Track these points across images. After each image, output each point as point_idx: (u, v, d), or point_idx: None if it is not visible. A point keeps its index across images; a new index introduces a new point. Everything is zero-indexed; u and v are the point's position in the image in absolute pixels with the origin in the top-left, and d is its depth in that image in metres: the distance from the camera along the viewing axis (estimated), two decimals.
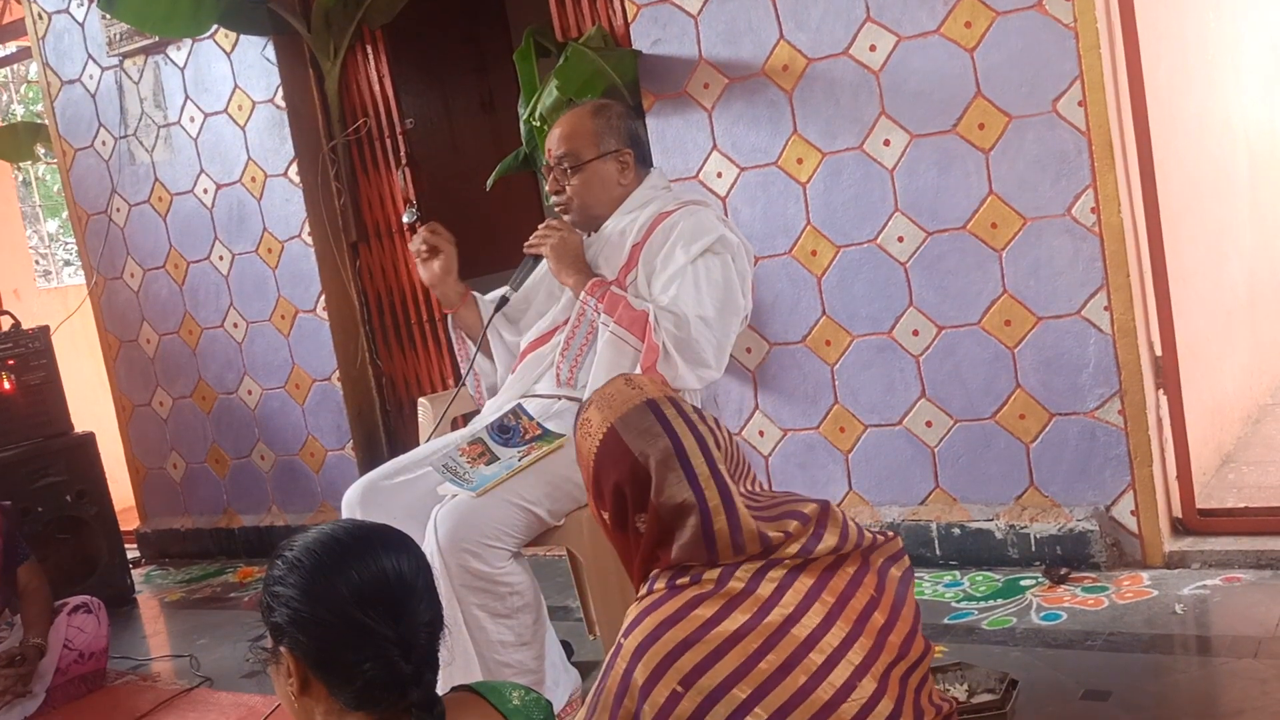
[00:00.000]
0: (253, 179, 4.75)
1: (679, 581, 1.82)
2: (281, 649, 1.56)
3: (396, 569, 1.55)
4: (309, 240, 4.67)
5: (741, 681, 1.72)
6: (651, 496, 1.85)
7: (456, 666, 2.52)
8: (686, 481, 1.84)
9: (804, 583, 1.82)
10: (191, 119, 4.85)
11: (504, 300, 2.96)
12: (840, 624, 1.80)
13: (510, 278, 2.96)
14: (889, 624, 1.84)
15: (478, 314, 3.03)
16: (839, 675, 1.75)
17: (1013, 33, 3.20)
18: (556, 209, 2.91)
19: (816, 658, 1.75)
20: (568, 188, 2.85)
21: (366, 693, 1.53)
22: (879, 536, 1.94)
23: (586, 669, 2.97)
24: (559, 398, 2.79)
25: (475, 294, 3.04)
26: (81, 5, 5.00)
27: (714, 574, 1.81)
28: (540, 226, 2.85)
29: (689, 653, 1.73)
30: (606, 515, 1.94)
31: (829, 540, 1.86)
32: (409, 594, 1.55)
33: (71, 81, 5.15)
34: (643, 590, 1.88)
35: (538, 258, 2.90)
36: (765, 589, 1.80)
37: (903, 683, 1.83)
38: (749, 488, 1.95)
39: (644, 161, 2.92)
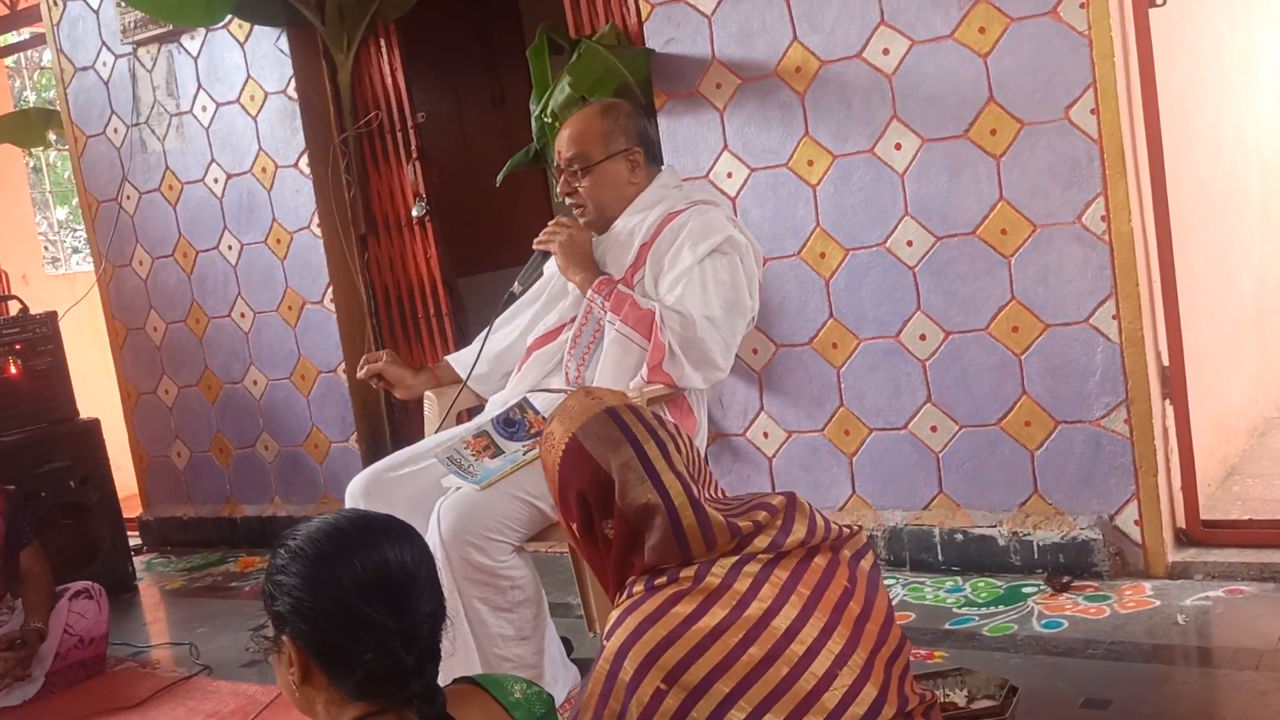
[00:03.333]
0: (263, 169, 4.75)
1: (657, 582, 1.83)
2: (283, 638, 1.56)
3: (399, 559, 1.55)
4: (318, 232, 4.67)
5: (724, 676, 1.73)
6: (616, 499, 1.87)
7: (456, 659, 2.52)
8: (650, 482, 1.86)
9: (779, 576, 1.84)
10: (204, 108, 4.85)
11: (510, 297, 2.96)
12: (818, 615, 1.81)
13: (518, 274, 2.96)
14: (864, 614, 1.86)
15: (453, 373, 3.13)
16: (820, 665, 1.77)
17: (1026, 39, 3.20)
18: (574, 210, 2.91)
19: (797, 649, 1.77)
20: (580, 189, 2.86)
21: (367, 683, 1.52)
22: (845, 529, 1.96)
23: (586, 666, 2.95)
24: (565, 392, 2.79)
25: (443, 363, 3.16)
26: None
27: (690, 571, 1.83)
28: (550, 223, 2.86)
29: (670, 650, 1.74)
30: (574, 525, 1.95)
31: (798, 532, 1.88)
32: (411, 585, 1.55)
33: (85, 68, 5.16)
34: (621, 596, 1.89)
35: (546, 254, 2.90)
36: (742, 584, 1.81)
37: (888, 669, 1.84)
38: (712, 494, 1.96)
39: (654, 159, 2.93)
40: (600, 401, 1.97)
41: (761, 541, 1.86)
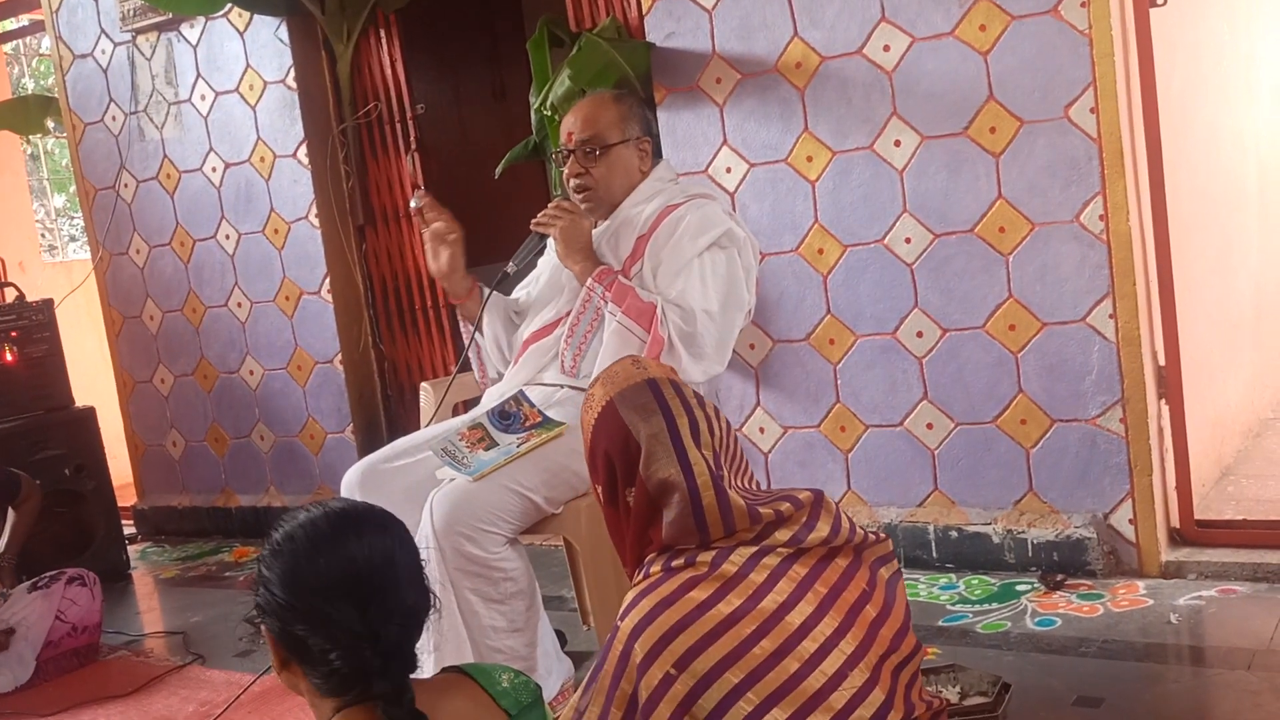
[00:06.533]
0: (262, 159, 4.74)
1: (674, 564, 1.84)
2: (263, 628, 1.59)
3: (368, 558, 1.53)
4: (316, 222, 4.67)
5: (734, 666, 1.73)
6: (640, 469, 1.87)
7: (448, 650, 2.52)
8: (675, 458, 1.86)
9: (797, 572, 1.83)
10: (202, 97, 4.84)
11: (504, 275, 2.94)
12: (833, 614, 1.81)
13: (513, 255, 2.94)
14: (880, 618, 1.85)
15: (478, 304, 3.00)
16: (831, 664, 1.76)
17: (1027, 37, 3.19)
18: (578, 193, 2.87)
19: (809, 645, 1.76)
20: (591, 171, 2.83)
21: (331, 681, 1.54)
22: (871, 535, 1.95)
23: (580, 659, 2.97)
24: (561, 386, 2.79)
25: (481, 285, 3.01)
26: None
27: (708, 557, 1.83)
28: (550, 205, 2.83)
29: (683, 635, 1.75)
30: (599, 488, 1.96)
31: (821, 529, 1.87)
32: (378, 585, 1.53)
33: (84, 56, 5.15)
34: (638, 575, 1.89)
35: (543, 236, 2.89)
36: (759, 575, 1.81)
37: (894, 676, 1.84)
38: (743, 483, 1.95)
39: (656, 153, 2.92)
40: (644, 371, 1.97)
41: (783, 535, 1.85)
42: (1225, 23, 4.36)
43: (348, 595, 1.51)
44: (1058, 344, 3.28)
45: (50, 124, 5.85)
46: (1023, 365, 3.34)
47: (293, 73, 4.60)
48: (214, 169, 4.88)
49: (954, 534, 3.46)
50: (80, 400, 4.80)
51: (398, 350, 4.84)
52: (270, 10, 4.54)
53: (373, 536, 1.56)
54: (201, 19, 4.74)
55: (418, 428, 3.12)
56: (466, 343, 3.05)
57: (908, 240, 3.44)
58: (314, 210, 4.66)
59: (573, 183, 2.86)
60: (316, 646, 1.52)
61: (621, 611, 1.83)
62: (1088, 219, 3.19)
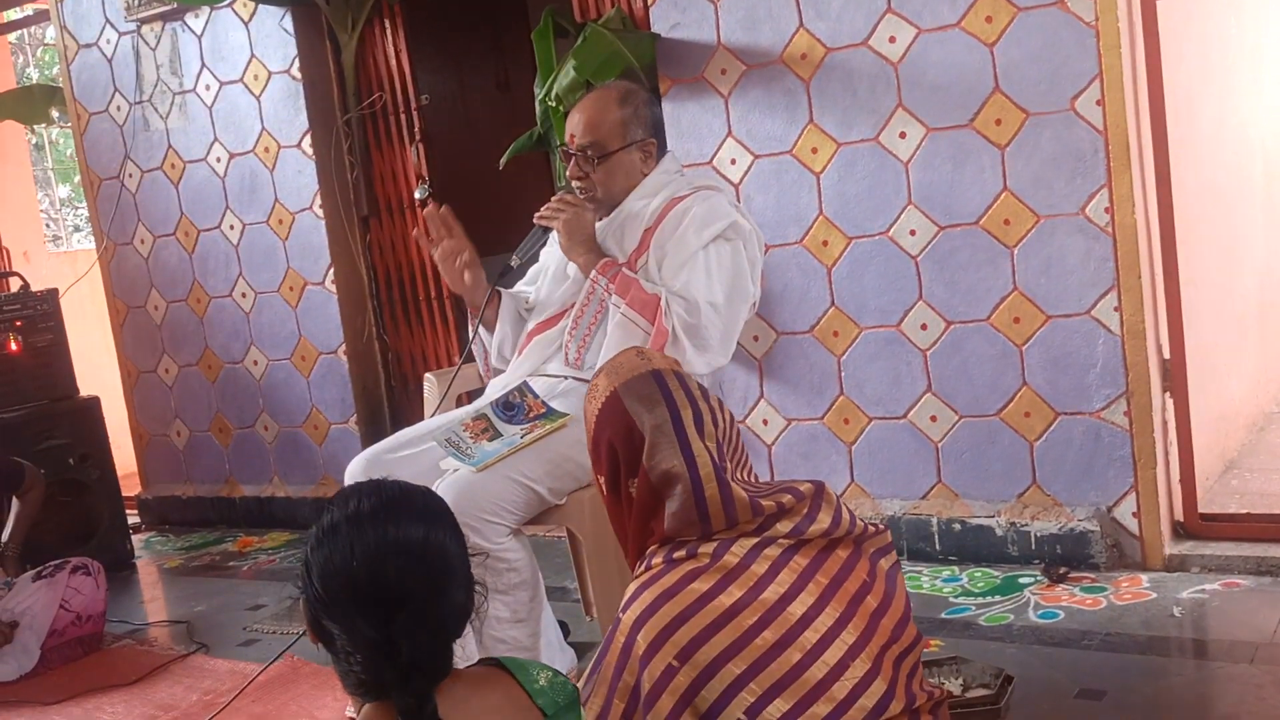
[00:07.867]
0: (266, 149, 4.74)
1: (676, 555, 1.84)
2: (301, 602, 1.58)
3: (406, 566, 1.50)
4: (320, 213, 4.67)
5: (736, 657, 1.73)
6: (643, 460, 1.87)
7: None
8: (678, 448, 1.86)
9: (798, 563, 1.83)
10: (207, 87, 4.84)
11: (508, 268, 2.95)
12: (834, 605, 1.81)
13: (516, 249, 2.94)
14: (881, 609, 1.85)
15: (497, 308, 2.99)
16: (832, 655, 1.76)
17: (1033, 29, 3.19)
18: (580, 193, 2.87)
19: (811, 636, 1.76)
20: (592, 175, 2.83)
21: (350, 682, 1.53)
22: (870, 527, 1.95)
23: (583, 649, 2.97)
24: (565, 378, 2.79)
25: (501, 290, 2.99)
26: None
27: (709, 548, 1.83)
28: (554, 198, 2.83)
29: (685, 626, 1.74)
30: (602, 478, 1.96)
31: (822, 521, 1.87)
32: (413, 593, 1.50)
33: (88, 45, 5.15)
34: (640, 567, 1.89)
35: (546, 229, 2.89)
36: (760, 566, 1.81)
37: (896, 666, 1.84)
38: (744, 476, 1.95)
39: (662, 147, 2.91)
40: (649, 362, 1.97)
41: (784, 526, 1.85)
42: (1232, 15, 4.35)
43: (377, 605, 1.48)
44: (1062, 337, 3.27)
45: (55, 114, 5.85)
46: (1027, 358, 3.33)
47: (297, 63, 4.60)
48: (218, 159, 4.88)
49: (957, 526, 3.46)
50: (85, 390, 4.80)
51: (401, 341, 4.84)
52: (275, 0, 4.54)
53: (417, 536, 1.52)
54: (206, 9, 4.74)
55: (421, 419, 3.13)
56: (471, 338, 3.05)
57: (912, 232, 3.43)
58: (318, 201, 4.66)
59: (574, 183, 2.87)
60: (342, 646, 1.51)
61: (623, 603, 1.83)
62: (1093, 212, 3.18)
